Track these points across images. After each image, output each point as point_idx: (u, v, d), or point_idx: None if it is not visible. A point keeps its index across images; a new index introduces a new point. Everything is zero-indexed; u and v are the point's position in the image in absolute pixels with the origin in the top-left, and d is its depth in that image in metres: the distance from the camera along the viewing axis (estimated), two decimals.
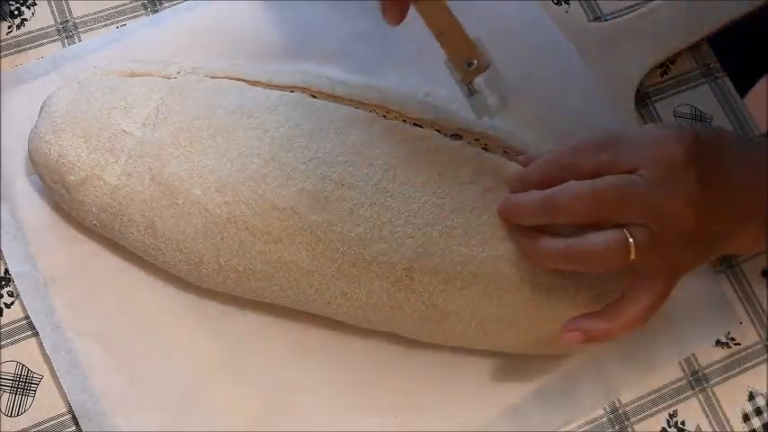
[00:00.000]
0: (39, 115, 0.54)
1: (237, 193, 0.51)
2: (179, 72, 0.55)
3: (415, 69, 0.61)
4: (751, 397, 0.59)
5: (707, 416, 0.58)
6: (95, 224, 0.54)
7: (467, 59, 0.52)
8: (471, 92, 0.53)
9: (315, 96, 0.55)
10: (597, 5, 0.66)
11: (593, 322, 0.49)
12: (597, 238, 0.47)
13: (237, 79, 0.55)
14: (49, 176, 0.54)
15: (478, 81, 0.52)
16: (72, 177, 0.53)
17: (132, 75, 0.55)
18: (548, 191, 0.48)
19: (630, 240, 0.47)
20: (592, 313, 0.50)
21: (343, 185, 0.51)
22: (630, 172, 0.47)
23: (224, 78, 0.55)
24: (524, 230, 0.50)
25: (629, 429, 0.58)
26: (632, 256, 0.47)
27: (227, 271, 0.52)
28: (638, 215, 0.47)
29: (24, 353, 0.55)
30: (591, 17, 0.65)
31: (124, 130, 0.52)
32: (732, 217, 0.49)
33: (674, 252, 0.48)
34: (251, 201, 0.51)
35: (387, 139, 0.53)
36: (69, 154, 0.52)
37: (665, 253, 0.48)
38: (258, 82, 0.55)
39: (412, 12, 0.63)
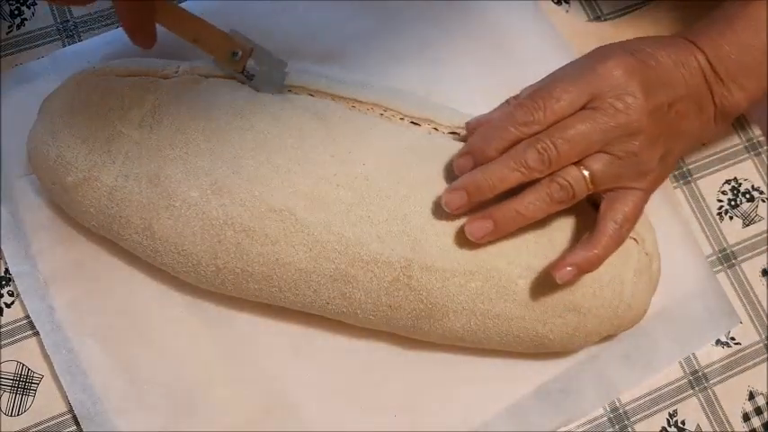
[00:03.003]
0: (37, 116, 0.54)
1: (234, 195, 0.51)
2: (177, 72, 0.55)
3: (415, 68, 0.61)
4: (751, 396, 0.59)
5: (707, 415, 0.58)
6: (94, 225, 0.54)
7: (230, 52, 0.54)
8: (249, 77, 0.55)
9: (312, 95, 0.55)
10: (597, 5, 0.66)
11: (578, 254, 0.50)
12: (555, 182, 0.49)
13: (235, 79, 0.55)
14: (47, 177, 0.54)
15: (251, 64, 0.54)
16: (70, 178, 0.52)
17: (130, 75, 0.55)
18: (515, 155, 0.49)
19: (586, 173, 0.49)
20: (573, 248, 0.51)
21: (338, 186, 0.51)
22: (582, 107, 0.49)
23: (222, 78, 0.55)
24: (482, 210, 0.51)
25: (629, 429, 0.58)
26: (590, 188, 0.49)
27: (225, 273, 0.52)
28: (596, 145, 0.49)
29: (24, 352, 0.55)
30: (591, 17, 0.65)
31: (121, 132, 0.52)
32: (682, 111, 0.51)
33: (637, 164, 0.50)
34: (247, 203, 0.51)
35: (381, 138, 0.53)
36: (67, 155, 0.52)
37: (629, 169, 0.50)
38: None
39: (411, 11, 0.63)
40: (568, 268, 0.50)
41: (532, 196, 0.50)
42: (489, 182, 0.49)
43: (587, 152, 0.49)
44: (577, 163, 0.49)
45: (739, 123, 0.64)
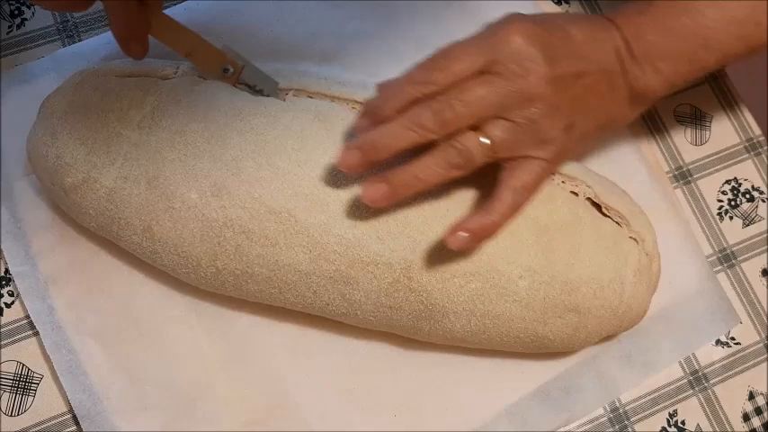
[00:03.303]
0: (36, 117, 0.54)
1: (233, 197, 0.51)
2: (176, 73, 0.55)
3: None
4: (751, 396, 0.59)
5: (707, 415, 0.58)
6: (93, 226, 0.54)
7: (221, 68, 0.54)
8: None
9: (311, 96, 0.55)
10: (597, 5, 0.66)
11: (473, 220, 0.49)
12: (452, 146, 0.48)
13: None
14: (47, 178, 0.54)
15: (243, 80, 0.54)
16: (69, 179, 0.52)
17: (130, 75, 0.55)
18: (411, 115, 0.48)
19: (485, 140, 0.48)
20: (469, 214, 0.50)
21: (338, 188, 0.51)
22: (482, 71, 0.49)
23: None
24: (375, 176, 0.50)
25: (629, 429, 0.58)
26: (490, 155, 0.48)
27: (225, 274, 0.52)
28: (493, 109, 0.48)
29: (24, 352, 0.55)
30: None
31: (121, 133, 0.52)
32: (591, 86, 0.50)
33: (537, 132, 0.49)
34: (247, 204, 0.51)
35: None
36: (66, 156, 0.52)
37: (529, 136, 0.49)
38: None
39: (411, 11, 0.63)
40: (462, 234, 0.49)
41: (429, 160, 0.49)
42: (383, 141, 0.49)
43: (484, 116, 0.48)
44: (477, 129, 0.48)
45: (739, 123, 0.64)
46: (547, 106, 0.49)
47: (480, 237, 0.49)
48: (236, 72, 0.54)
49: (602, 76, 0.51)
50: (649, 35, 0.51)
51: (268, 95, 0.54)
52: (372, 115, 0.50)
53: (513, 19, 0.50)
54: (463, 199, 0.52)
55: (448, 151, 0.48)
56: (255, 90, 0.55)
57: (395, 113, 0.49)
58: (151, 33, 0.52)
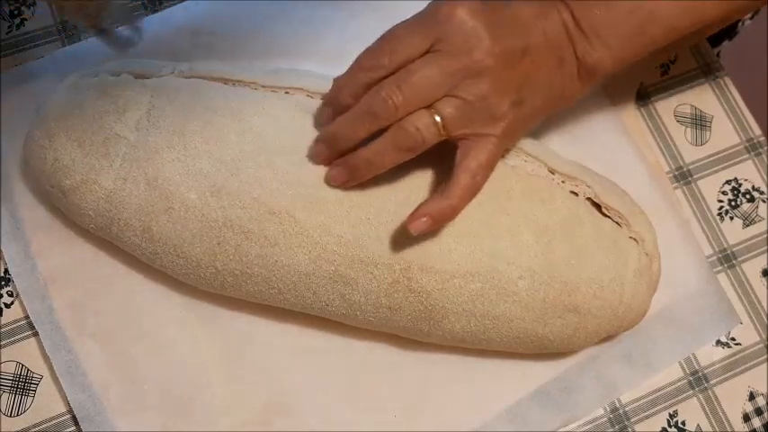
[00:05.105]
0: (34, 119, 0.54)
1: (233, 198, 0.51)
2: (173, 73, 0.55)
3: None
4: (751, 397, 0.59)
5: (707, 416, 0.58)
6: (93, 227, 0.54)
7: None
8: (100, 33, 0.53)
9: (311, 97, 0.55)
10: None
11: (434, 203, 0.49)
12: (401, 128, 0.48)
13: (235, 81, 0.55)
14: (45, 180, 0.54)
15: (105, 20, 0.52)
16: (67, 181, 0.52)
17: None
18: (363, 104, 0.49)
19: (437, 118, 0.48)
20: (428, 199, 0.50)
21: (337, 188, 0.51)
22: (427, 50, 0.49)
23: (219, 80, 0.55)
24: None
25: (629, 429, 0.58)
26: (443, 133, 0.49)
27: (225, 275, 0.52)
28: (443, 88, 0.48)
29: (24, 353, 0.55)
30: None
31: (118, 134, 0.52)
32: (539, 61, 0.50)
33: (487, 108, 0.49)
34: (246, 205, 0.51)
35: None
36: (64, 158, 0.52)
37: (480, 113, 0.49)
38: (255, 83, 0.55)
39: (412, 11, 0.63)
40: (423, 219, 0.49)
41: (379, 144, 0.49)
42: (342, 133, 0.50)
43: (434, 96, 0.48)
44: (428, 108, 0.48)
45: (739, 123, 0.64)
46: (494, 82, 0.49)
47: (440, 221, 0.49)
48: (99, 8, 0.51)
49: (551, 51, 0.51)
50: (598, 9, 0.50)
51: (128, 39, 0.53)
52: (332, 104, 0.51)
53: None
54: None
55: (397, 133, 0.49)
56: (116, 36, 0.53)
57: (352, 100, 0.50)
58: None
